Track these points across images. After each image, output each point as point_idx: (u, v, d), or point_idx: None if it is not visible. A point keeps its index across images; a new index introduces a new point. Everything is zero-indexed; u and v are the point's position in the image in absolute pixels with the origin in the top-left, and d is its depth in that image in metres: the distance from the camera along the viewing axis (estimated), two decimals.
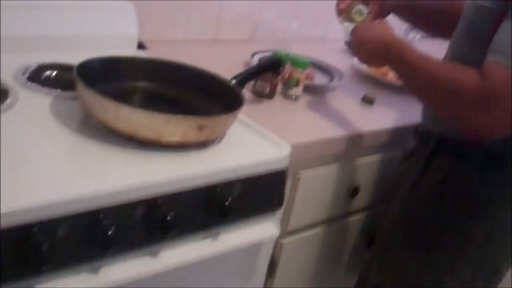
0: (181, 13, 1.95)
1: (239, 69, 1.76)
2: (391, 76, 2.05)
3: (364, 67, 2.10)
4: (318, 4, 2.35)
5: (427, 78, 1.32)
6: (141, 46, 1.81)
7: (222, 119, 1.24)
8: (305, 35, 2.36)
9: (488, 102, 1.21)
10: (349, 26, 1.54)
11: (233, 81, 1.42)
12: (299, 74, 1.67)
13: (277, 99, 1.68)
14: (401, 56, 1.38)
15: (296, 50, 2.10)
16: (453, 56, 1.47)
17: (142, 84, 1.43)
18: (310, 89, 1.78)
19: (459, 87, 1.26)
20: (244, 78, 1.44)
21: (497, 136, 1.27)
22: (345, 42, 1.57)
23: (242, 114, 1.35)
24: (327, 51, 2.29)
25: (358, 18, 1.63)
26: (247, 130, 1.38)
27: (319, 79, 1.92)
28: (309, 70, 1.82)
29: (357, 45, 1.49)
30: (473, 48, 1.37)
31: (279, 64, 1.57)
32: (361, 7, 1.63)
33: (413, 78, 1.37)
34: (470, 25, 1.40)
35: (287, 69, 1.67)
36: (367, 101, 1.82)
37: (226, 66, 1.78)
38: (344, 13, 1.65)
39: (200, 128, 1.19)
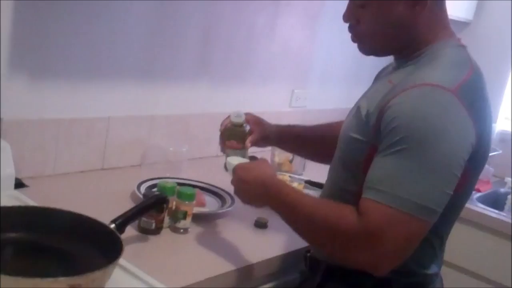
0: (63, 146, 1.89)
1: (124, 203, 1.71)
2: None
3: None
4: (208, 124, 2.35)
5: (306, 218, 1.32)
6: (20, 184, 1.73)
7: (97, 274, 1.16)
8: (198, 155, 2.34)
9: (367, 241, 1.21)
10: (231, 161, 1.52)
11: (112, 225, 1.35)
12: (186, 206, 1.62)
13: (165, 234, 1.61)
14: (280, 197, 1.37)
15: (188, 172, 2.08)
16: (332, 184, 1.48)
17: (15, 234, 1.33)
18: (201, 218, 1.73)
19: (338, 228, 1.26)
20: (124, 221, 1.38)
21: (383, 272, 1.25)
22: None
23: (125, 259, 1.29)
24: (219, 169, 2.25)
25: (236, 120, 1.66)
26: (128, 278, 1.32)
27: (211, 204, 1.88)
28: (199, 197, 1.78)
29: (238, 185, 1.46)
30: (350, 178, 1.39)
31: (163, 201, 1.52)
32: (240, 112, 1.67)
33: (293, 218, 1.36)
34: (344, 155, 1.42)
35: (173, 202, 1.62)
36: (260, 225, 1.79)
37: (110, 200, 1.74)
38: (226, 135, 1.69)
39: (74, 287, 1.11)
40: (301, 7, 2.62)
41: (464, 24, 3.00)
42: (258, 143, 1.74)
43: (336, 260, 1.38)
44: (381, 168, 1.24)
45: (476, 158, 1.28)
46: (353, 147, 1.37)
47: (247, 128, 1.70)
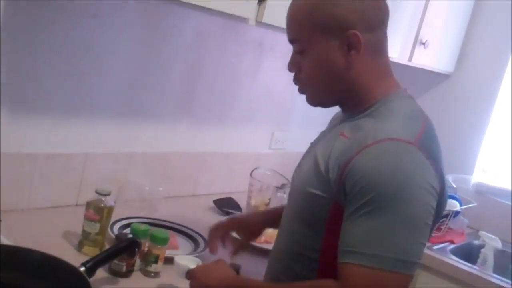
0: (39, 181, 1.88)
1: None
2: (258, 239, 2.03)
3: None
4: (187, 163, 2.35)
5: None
6: None
7: None
8: (174, 193, 2.33)
9: None
10: (180, 262, 1.53)
11: (82, 268, 1.34)
12: (158, 250, 1.61)
13: (136, 277, 1.60)
14: None
15: (164, 211, 2.08)
16: (289, 240, 1.43)
17: None
18: (173, 261, 1.72)
19: None
20: (95, 264, 1.38)
21: None
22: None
23: None
24: (196, 208, 2.28)
25: (99, 190, 1.67)
26: None
27: (184, 246, 1.87)
28: (172, 240, 1.78)
29: None
30: (312, 234, 1.35)
31: (135, 245, 1.51)
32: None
33: None
34: (304, 212, 1.37)
35: (146, 244, 1.61)
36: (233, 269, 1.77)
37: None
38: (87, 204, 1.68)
39: None
40: (284, 51, 2.62)
41: (444, 76, 3.05)
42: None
43: None
44: (355, 230, 1.22)
45: (439, 205, 1.29)
46: (314, 204, 1.33)
47: (109, 203, 1.68)
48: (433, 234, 1.61)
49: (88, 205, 1.66)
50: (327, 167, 1.29)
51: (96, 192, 1.66)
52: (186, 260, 1.54)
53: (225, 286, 1.39)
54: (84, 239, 1.66)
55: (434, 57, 2.80)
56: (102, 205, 1.65)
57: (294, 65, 1.40)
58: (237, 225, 1.77)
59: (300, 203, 1.39)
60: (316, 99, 1.42)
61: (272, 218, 1.75)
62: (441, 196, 1.30)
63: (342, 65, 1.33)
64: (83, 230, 1.66)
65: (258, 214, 1.81)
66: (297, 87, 1.43)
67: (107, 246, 1.68)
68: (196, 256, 1.78)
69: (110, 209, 1.67)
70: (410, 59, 2.58)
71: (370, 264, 1.19)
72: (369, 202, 1.20)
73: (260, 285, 1.37)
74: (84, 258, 1.39)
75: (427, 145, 1.27)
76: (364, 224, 1.21)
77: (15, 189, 1.84)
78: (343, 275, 1.22)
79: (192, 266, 1.49)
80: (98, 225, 1.64)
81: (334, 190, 1.28)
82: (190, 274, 1.45)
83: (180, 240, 1.90)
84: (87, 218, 1.66)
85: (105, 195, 1.66)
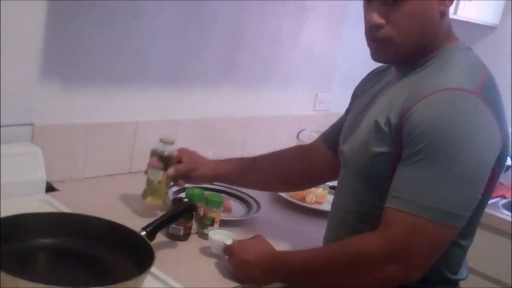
0: (92, 151, 1.91)
1: (153, 208, 1.72)
2: (309, 200, 2.05)
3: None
4: (233, 128, 2.36)
5: (327, 268, 1.31)
6: (50, 188, 1.76)
7: (130, 283, 1.18)
8: (223, 157, 2.35)
9: (394, 253, 1.21)
10: (215, 237, 1.52)
11: (143, 233, 1.37)
12: (213, 213, 1.64)
13: (193, 239, 1.63)
14: (288, 263, 1.37)
15: None
16: (351, 201, 1.43)
17: (48, 240, 1.37)
18: (228, 223, 1.74)
19: (361, 253, 1.25)
20: (155, 228, 1.40)
21: (413, 280, 1.24)
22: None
23: (154, 265, 1.30)
24: None
25: (164, 139, 1.67)
26: (157, 284, 1.33)
27: (237, 209, 1.89)
28: (225, 203, 1.80)
29: (239, 265, 1.43)
30: (375, 193, 1.34)
31: (192, 208, 1.54)
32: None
33: (313, 275, 1.33)
34: (365, 171, 1.36)
35: (201, 208, 1.64)
36: None
37: (139, 205, 1.75)
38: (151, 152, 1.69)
39: None
40: (325, 10, 2.62)
41: (490, 29, 2.98)
42: (185, 176, 1.71)
43: None
44: (405, 176, 1.23)
45: (501, 158, 1.27)
46: (376, 162, 1.32)
47: (173, 152, 1.69)
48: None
49: (153, 152, 1.68)
50: (390, 121, 1.28)
51: (161, 140, 1.68)
52: (221, 235, 1.54)
53: (267, 261, 1.39)
54: (148, 187, 1.69)
55: (478, 9, 2.74)
56: (166, 153, 1.67)
57: (381, 17, 1.29)
58: (185, 153, 1.73)
59: (361, 163, 1.37)
60: (391, 55, 1.34)
61: (231, 168, 1.76)
62: (504, 149, 1.27)
63: (437, 15, 1.30)
64: (147, 179, 1.68)
65: (212, 161, 1.77)
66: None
67: (168, 200, 1.72)
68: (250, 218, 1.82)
69: (174, 158, 1.68)
70: (455, 12, 2.52)
71: (412, 211, 1.19)
72: (422, 150, 1.20)
73: (301, 255, 1.37)
74: (143, 221, 1.41)
75: (489, 95, 1.24)
76: (413, 172, 1.21)
77: (69, 160, 1.88)
78: (385, 219, 1.23)
79: (228, 241, 1.49)
80: (161, 173, 1.66)
81: (394, 141, 1.26)
82: (228, 250, 1.46)
83: (232, 203, 1.92)
84: (151, 166, 1.68)
85: (169, 143, 1.68)
